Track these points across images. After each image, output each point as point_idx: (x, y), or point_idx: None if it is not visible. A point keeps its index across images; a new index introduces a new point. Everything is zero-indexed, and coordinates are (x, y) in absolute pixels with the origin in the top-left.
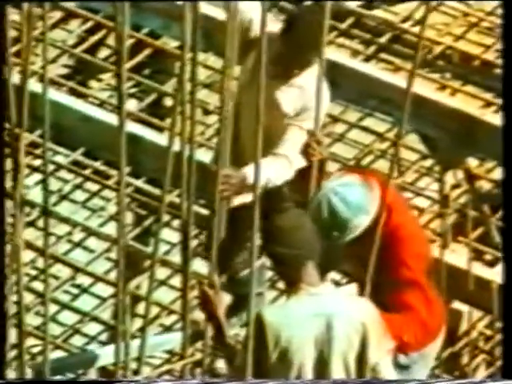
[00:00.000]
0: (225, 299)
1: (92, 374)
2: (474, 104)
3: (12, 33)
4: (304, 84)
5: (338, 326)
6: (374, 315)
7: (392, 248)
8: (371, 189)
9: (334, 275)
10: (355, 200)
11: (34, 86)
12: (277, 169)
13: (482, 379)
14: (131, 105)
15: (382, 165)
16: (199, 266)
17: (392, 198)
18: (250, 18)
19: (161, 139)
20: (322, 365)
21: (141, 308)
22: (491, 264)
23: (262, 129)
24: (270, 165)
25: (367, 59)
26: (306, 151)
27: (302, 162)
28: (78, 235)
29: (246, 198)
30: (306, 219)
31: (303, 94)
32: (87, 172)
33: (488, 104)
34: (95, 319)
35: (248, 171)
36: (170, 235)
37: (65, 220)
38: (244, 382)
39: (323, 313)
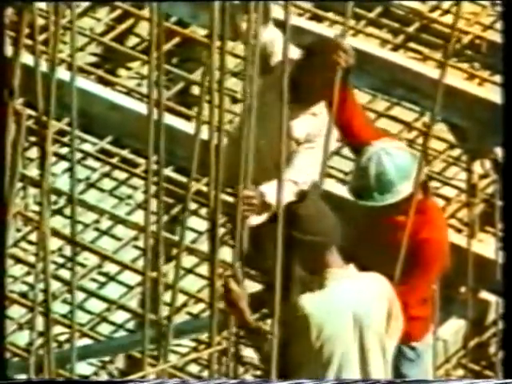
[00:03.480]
0: (247, 289)
1: (119, 362)
2: None
3: (39, 21)
4: (317, 110)
5: (373, 306)
6: (392, 291)
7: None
8: (416, 158)
9: None
10: (404, 165)
11: (61, 73)
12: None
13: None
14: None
15: None
16: (226, 254)
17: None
18: (272, 48)
19: (189, 127)
20: (362, 349)
21: (168, 296)
22: None
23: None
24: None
25: (395, 48)
26: (331, 58)
27: (313, 178)
28: (105, 223)
29: (261, 217)
30: (325, 206)
31: (316, 121)
32: (115, 160)
33: None
34: (122, 307)
35: (264, 189)
36: (198, 223)
37: (92, 208)
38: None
39: (357, 295)
